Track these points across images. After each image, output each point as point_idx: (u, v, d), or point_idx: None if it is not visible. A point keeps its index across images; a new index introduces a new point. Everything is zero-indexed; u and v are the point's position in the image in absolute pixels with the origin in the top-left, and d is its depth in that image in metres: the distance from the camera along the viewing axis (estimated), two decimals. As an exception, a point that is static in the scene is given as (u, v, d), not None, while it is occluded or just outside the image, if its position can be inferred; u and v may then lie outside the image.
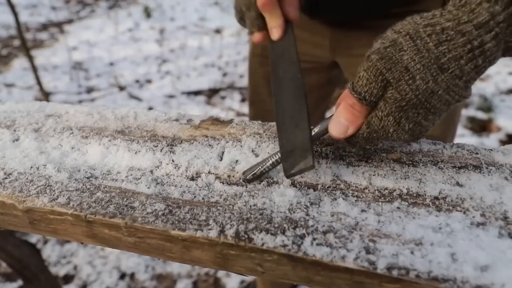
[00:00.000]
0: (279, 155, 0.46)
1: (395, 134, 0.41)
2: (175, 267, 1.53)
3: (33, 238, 1.66)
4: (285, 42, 0.53)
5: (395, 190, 0.45)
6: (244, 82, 2.85)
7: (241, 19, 0.57)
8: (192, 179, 0.49)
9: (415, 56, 0.38)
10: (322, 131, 0.46)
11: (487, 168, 0.47)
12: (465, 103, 0.79)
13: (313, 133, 0.46)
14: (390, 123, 0.41)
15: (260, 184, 0.47)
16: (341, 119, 0.43)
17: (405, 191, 0.44)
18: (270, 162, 0.46)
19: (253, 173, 0.47)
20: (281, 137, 0.46)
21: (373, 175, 0.47)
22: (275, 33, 0.53)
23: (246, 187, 0.46)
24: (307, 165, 0.43)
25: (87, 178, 0.50)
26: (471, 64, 0.37)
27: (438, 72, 0.37)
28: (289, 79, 0.50)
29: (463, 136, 2.10)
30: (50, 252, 1.63)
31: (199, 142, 0.55)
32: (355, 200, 0.43)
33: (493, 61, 0.39)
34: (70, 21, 4.33)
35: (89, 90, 2.89)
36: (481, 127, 2.18)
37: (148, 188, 0.47)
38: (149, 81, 2.97)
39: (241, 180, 0.47)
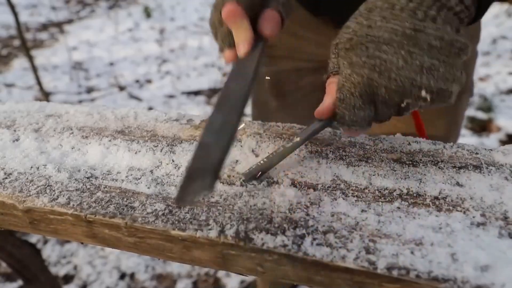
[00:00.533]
0: (274, 153, 0.46)
1: (354, 73, 0.43)
2: (175, 267, 1.53)
3: (33, 238, 1.66)
4: (248, 58, 0.47)
5: (395, 190, 0.45)
6: (244, 82, 2.85)
7: (215, 35, 0.52)
8: (192, 179, 0.48)
9: (351, 18, 0.46)
10: (318, 128, 0.46)
11: (487, 168, 0.47)
12: (468, 104, 0.78)
13: (306, 134, 0.46)
14: (345, 67, 0.44)
15: (260, 184, 0.47)
16: (323, 101, 0.46)
17: (405, 191, 0.44)
18: (270, 161, 0.46)
19: (252, 173, 0.47)
20: (194, 154, 0.38)
21: (373, 175, 0.47)
22: (241, 48, 0.47)
23: (246, 187, 0.46)
24: (203, 188, 0.34)
25: (87, 178, 0.50)
26: None
27: (367, 13, 0.44)
28: (233, 96, 0.44)
29: (463, 136, 2.10)
30: (50, 252, 1.63)
31: (199, 142, 0.55)
32: (355, 200, 0.43)
33: None
34: (70, 21, 4.33)
35: (89, 90, 2.89)
36: (481, 127, 2.18)
37: (148, 188, 0.47)
38: (149, 81, 2.97)
39: (241, 180, 0.47)
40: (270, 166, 0.47)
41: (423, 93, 0.41)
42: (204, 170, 0.36)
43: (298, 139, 0.46)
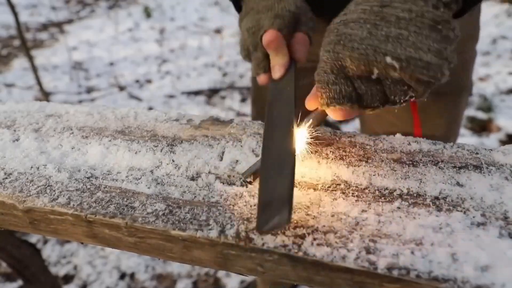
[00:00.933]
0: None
1: (323, 52, 0.45)
2: (175, 267, 1.53)
3: (33, 238, 1.66)
4: (285, 82, 0.50)
5: (395, 190, 0.45)
6: (244, 82, 2.85)
7: (247, 57, 0.55)
8: (193, 179, 0.48)
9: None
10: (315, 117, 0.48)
11: (487, 168, 0.47)
12: (467, 103, 0.78)
13: (305, 124, 0.47)
14: (320, 51, 0.46)
15: (260, 184, 0.47)
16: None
17: (405, 191, 0.44)
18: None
19: (252, 173, 0.47)
20: (262, 185, 0.41)
21: (373, 175, 0.47)
22: (277, 71, 0.50)
23: (247, 187, 0.46)
24: (281, 221, 0.38)
25: (88, 178, 0.50)
26: None
27: (348, 6, 0.46)
28: (282, 123, 0.47)
29: (463, 136, 2.10)
30: (50, 252, 1.63)
31: (199, 142, 0.55)
32: (356, 200, 0.43)
33: None
34: (70, 21, 4.33)
35: (89, 90, 2.89)
36: (481, 127, 2.18)
37: (149, 188, 0.47)
38: (149, 81, 2.97)
39: (241, 180, 0.47)
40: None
41: (388, 59, 0.40)
42: (280, 201, 0.39)
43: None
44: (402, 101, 0.44)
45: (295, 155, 0.43)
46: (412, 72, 0.40)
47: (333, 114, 0.46)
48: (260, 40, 0.50)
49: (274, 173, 0.42)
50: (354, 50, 0.42)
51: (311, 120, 0.49)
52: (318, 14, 0.78)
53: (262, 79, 0.53)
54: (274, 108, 0.49)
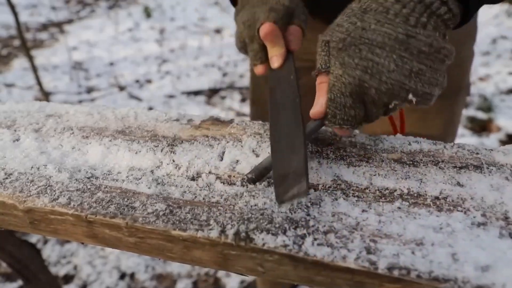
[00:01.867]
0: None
1: (345, 74, 0.44)
2: (175, 267, 1.53)
3: (33, 238, 1.66)
4: (284, 70, 0.52)
5: (395, 190, 0.45)
6: (244, 82, 2.85)
7: (242, 48, 0.56)
8: (193, 179, 0.48)
9: (342, 16, 0.47)
10: (314, 128, 0.47)
11: (487, 168, 0.47)
12: (465, 103, 0.78)
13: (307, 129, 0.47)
14: (337, 67, 0.45)
15: (260, 184, 0.47)
16: (315, 101, 0.47)
17: (405, 191, 0.44)
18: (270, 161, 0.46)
19: (255, 173, 0.46)
20: (275, 162, 0.45)
21: (374, 175, 0.47)
22: (275, 61, 0.52)
23: (247, 187, 0.46)
24: (300, 190, 0.41)
25: (88, 178, 0.50)
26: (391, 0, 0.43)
27: (362, 14, 0.45)
28: (286, 104, 0.49)
29: (463, 136, 2.10)
30: (50, 252, 1.63)
31: (199, 142, 0.55)
32: (356, 200, 0.43)
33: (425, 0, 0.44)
34: (70, 21, 4.33)
35: (89, 90, 2.89)
36: (481, 127, 2.17)
37: (149, 188, 0.47)
38: (149, 81, 2.97)
39: (242, 181, 0.47)
40: (271, 166, 0.47)
41: (410, 96, 0.43)
42: (296, 174, 0.42)
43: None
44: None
45: (305, 131, 0.46)
46: (420, 104, 0.45)
47: (339, 132, 0.48)
48: (257, 32, 0.51)
49: (287, 151, 0.45)
50: (381, 84, 0.43)
51: (312, 126, 0.49)
52: (313, 13, 0.78)
53: (259, 69, 0.55)
54: (277, 93, 0.51)
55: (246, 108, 2.53)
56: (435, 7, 0.43)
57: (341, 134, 0.49)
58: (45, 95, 2.43)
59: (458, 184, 0.45)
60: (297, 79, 0.51)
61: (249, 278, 1.45)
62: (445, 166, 0.48)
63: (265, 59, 0.54)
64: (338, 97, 0.45)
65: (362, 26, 0.44)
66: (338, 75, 0.45)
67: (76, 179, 0.49)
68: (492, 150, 0.50)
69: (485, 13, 3.39)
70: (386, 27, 0.43)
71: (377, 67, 0.43)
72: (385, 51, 0.42)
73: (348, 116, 0.45)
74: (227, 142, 0.54)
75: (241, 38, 0.55)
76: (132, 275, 1.51)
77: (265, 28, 0.50)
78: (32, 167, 0.52)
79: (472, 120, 2.22)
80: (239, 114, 2.49)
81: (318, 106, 0.47)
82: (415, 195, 0.44)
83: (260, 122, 0.59)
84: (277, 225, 0.41)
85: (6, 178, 0.51)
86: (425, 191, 0.44)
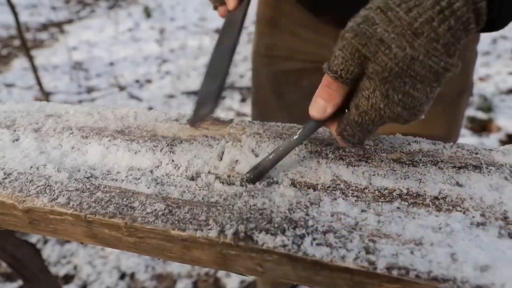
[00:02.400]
0: (273, 154, 0.47)
1: (387, 108, 0.41)
2: (175, 267, 1.53)
3: (33, 238, 1.66)
4: (237, 11, 0.61)
5: (395, 190, 0.45)
6: (244, 82, 2.85)
7: None
8: (192, 179, 0.48)
9: (388, 27, 0.38)
10: (312, 127, 0.47)
11: (487, 168, 0.47)
12: (467, 103, 0.79)
13: (303, 133, 0.47)
14: (378, 98, 0.40)
15: (260, 184, 0.47)
16: (318, 99, 0.43)
17: (405, 191, 0.44)
18: (271, 161, 0.46)
19: (254, 173, 0.47)
20: (201, 86, 0.54)
21: (373, 175, 0.47)
22: (231, 3, 0.60)
23: (246, 187, 0.46)
24: (206, 111, 0.50)
25: (87, 178, 0.50)
26: (444, 26, 0.38)
27: (413, 37, 0.38)
28: (227, 41, 0.58)
29: (463, 136, 2.10)
30: (50, 252, 1.63)
31: (199, 142, 0.55)
32: (355, 200, 0.43)
33: (468, 27, 0.39)
34: (70, 21, 4.33)
35: (89, 90, 2.89)
36: (481, 127, 2.17)
37: (148, 188, 0.47)
38: (149, 81, 2.97)
39: (242, 181, 0.47)
40: (270, 166, 0.47)
41: (415, 122, 0.43)
42: (209, 98, 0.52)
43: (296, 137, 0.46)
44: None
45: (229, 63, 0.53)
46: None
47: (343, 145, 0.48)
48: None
49: (210, 77, 0.54)
50: (411, 116, 0.42)
51: (312, 125, 0.47)
52: (315, 14, 0.78)
53: (220, 10, 0.64)
54: (224, 32, 0.61)
55: (246, 108, 2.53)
56: (471, 28, 0.39)
57: (343, 146, 0.50)
58: (45, 95, 2.43)
59: (457, 184, 0.45)
60: (244, 18, 0.59)
61: (249, 278, 1.45)
62: (444, 166, 0.48)
63: (223, 1, 0.62)
64: (366, 124, 0.42)
65: (412, 55, 0.38)
66: (377, 107, 0.41)
67: (75, 179, 0.50)
68: (491, 150, 0.50)
69: (485, 13, 3.38)
70: (432, 61, 0.39)
71: (414, 102, 0.41)
72: (424, 85, 0.40)
73: (358, 140, 0.44)
74: (227, 142, 0.54)
75: None
76: (132, 275, 1.51)
77: None
78: (31, 167, 0.52)
79: (472, 120, 2.22)
80: (239, 114, 2.49)
81: (319, 106, 0.44)
82: (414, 195, 0.44)
83: (260, 122, 0.59)
84: (276, 225, 0.41)
85: (6, 178, 0.51)
86: (424, 191, 0.44)
